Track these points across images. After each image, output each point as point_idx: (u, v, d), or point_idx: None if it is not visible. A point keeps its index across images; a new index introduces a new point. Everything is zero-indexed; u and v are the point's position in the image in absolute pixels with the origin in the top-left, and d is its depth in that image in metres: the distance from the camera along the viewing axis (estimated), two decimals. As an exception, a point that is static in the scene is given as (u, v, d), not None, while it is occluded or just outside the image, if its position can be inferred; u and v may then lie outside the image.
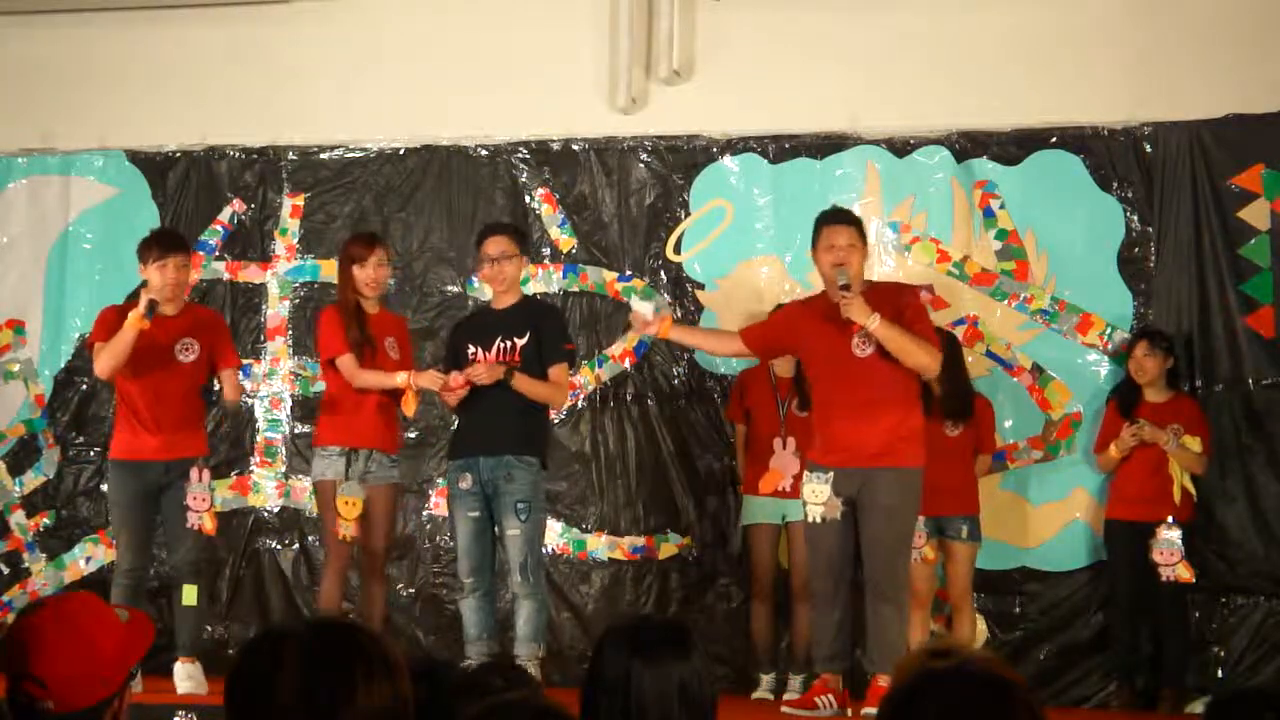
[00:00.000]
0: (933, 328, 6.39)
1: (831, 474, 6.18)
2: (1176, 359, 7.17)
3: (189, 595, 6.73)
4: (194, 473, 6.69)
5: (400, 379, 6.67)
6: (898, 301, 6.26)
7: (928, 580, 7.02)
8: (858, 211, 7.63)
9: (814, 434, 6.40)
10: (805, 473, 6.33)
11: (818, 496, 6.17)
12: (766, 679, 7.21)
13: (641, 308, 6.63)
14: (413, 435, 7.79)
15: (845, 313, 6.10)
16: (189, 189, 8.27)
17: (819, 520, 6.19)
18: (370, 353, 6.73)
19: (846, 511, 6.18)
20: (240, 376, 7.27)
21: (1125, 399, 7.16)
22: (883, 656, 6.16)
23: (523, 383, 6.61)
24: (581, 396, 7.77)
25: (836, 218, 6.42)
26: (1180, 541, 6.81)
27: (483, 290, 7.90)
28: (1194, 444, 7.02)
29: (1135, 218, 7.45)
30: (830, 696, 6.25)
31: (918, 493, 6.27)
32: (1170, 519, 6.84)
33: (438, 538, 7.85)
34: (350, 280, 6.77)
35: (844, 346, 6.21)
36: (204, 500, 6.67)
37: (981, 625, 7.33)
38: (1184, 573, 6.81)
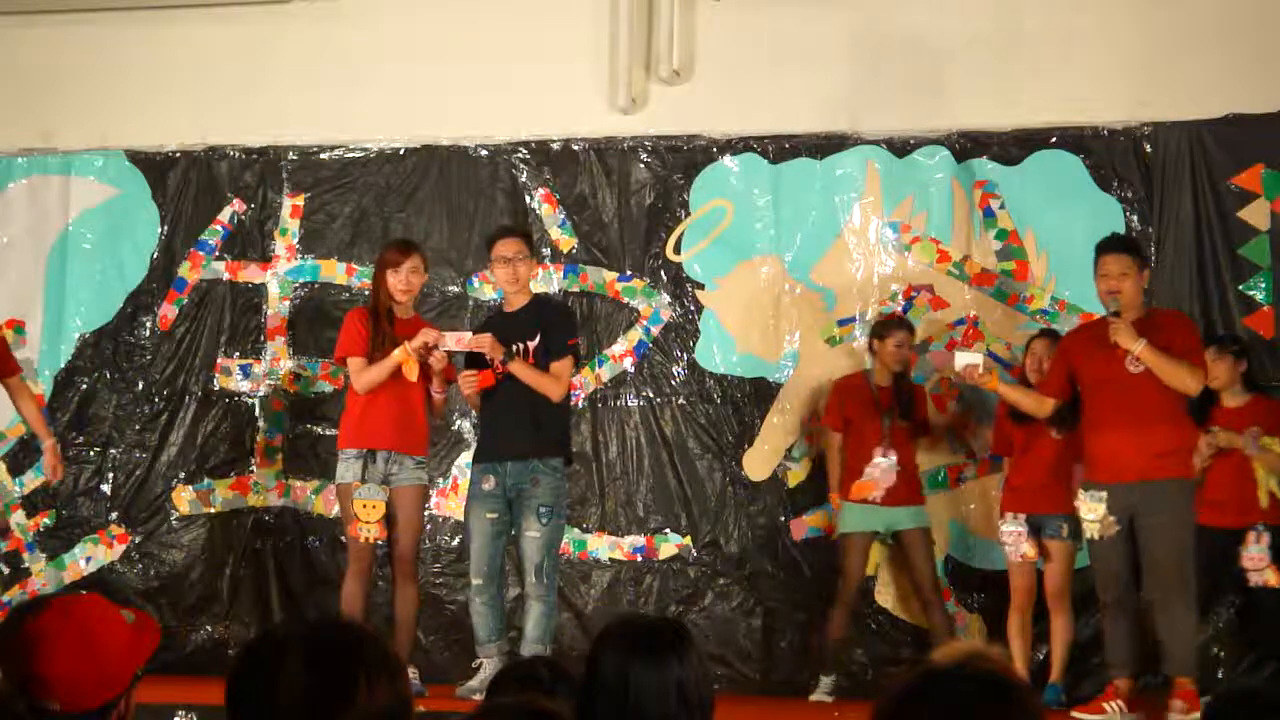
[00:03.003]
0: (1200, 354, 6.41)
1: (1105, 491, 6.23)
2: (1250, 360, 7.01)
3: None
4: None
5: (397, 353, 6.64)
6: (1171, 327, 6.35)
7: (1027, 578, 6.96)
8: (859, 212, 7.69)
9: (1086, 453, 6.45)
10: (1080, 491, 6.37)
11: (1094, 514, 6.26)
12: (827, 680, 7.16)
13: (974, 359, 6.68)
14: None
15: (1113, 337, 6.25)
16: (189, 189, 8.27)
17: (1096, 538, 6.28)
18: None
19: (1123, 527, 6.22)
20: (28, 384, 7.19)
21: (1199, 405, 6.80)
22: (1178, 658, 6.22)
23: (520, 369, 6.64)
24: (582, 396, 7.76)
25: (1110, 246, 6.46)
26: (1269, 546, 6.69)
27: (482, 290, 7.90)
28: (1276, 445, 6.82)
29: (1135, 218, 7.45)
30: (1120, 703, 6.26)
31: (1192, 500, 6.32)
32: (1260, 525, 6.71)
33: (438, 538, 7.85)
34: (383, 285, 6.79)
35: (1117, 366, 6.27)
36: None
37: (980, 625, 7.33)
38: (1271, 577, 6.72)
